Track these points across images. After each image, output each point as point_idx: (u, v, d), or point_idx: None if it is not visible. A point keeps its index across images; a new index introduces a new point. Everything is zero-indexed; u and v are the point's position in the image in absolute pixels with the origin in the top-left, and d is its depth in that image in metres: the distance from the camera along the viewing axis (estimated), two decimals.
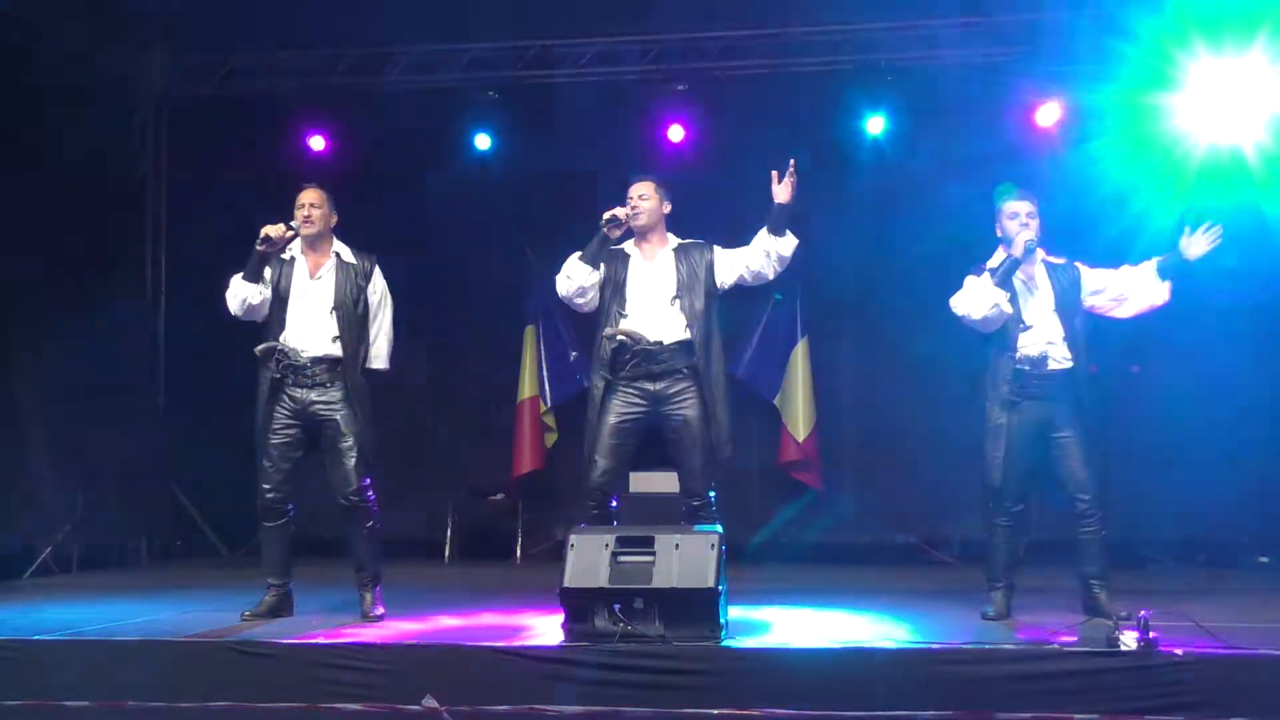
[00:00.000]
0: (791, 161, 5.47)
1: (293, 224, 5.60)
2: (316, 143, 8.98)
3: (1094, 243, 7.27)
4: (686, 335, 5.48)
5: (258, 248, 5.53)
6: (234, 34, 8.77)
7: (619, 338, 5.46)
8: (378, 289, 5.74)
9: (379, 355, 5.73)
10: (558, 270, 5.66)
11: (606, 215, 5.50)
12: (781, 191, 5.49)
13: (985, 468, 5.51)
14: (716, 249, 5.64)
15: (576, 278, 5.52)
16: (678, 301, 5.51)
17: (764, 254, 5.55)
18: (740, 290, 5.69)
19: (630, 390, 5.48)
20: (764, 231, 5.55)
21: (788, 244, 5.55)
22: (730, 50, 8.70)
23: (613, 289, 5.55)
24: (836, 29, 8.57)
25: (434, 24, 8.60)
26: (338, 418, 5.53)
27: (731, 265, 5.60)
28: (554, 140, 8.82)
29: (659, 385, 5.47)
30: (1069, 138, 8.41)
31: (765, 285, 5.81)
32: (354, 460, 5.55)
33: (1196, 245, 5.47)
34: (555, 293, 5.72)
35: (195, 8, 8.52)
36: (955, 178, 8.27)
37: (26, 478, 7.66)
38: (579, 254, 5.54)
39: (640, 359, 5.46)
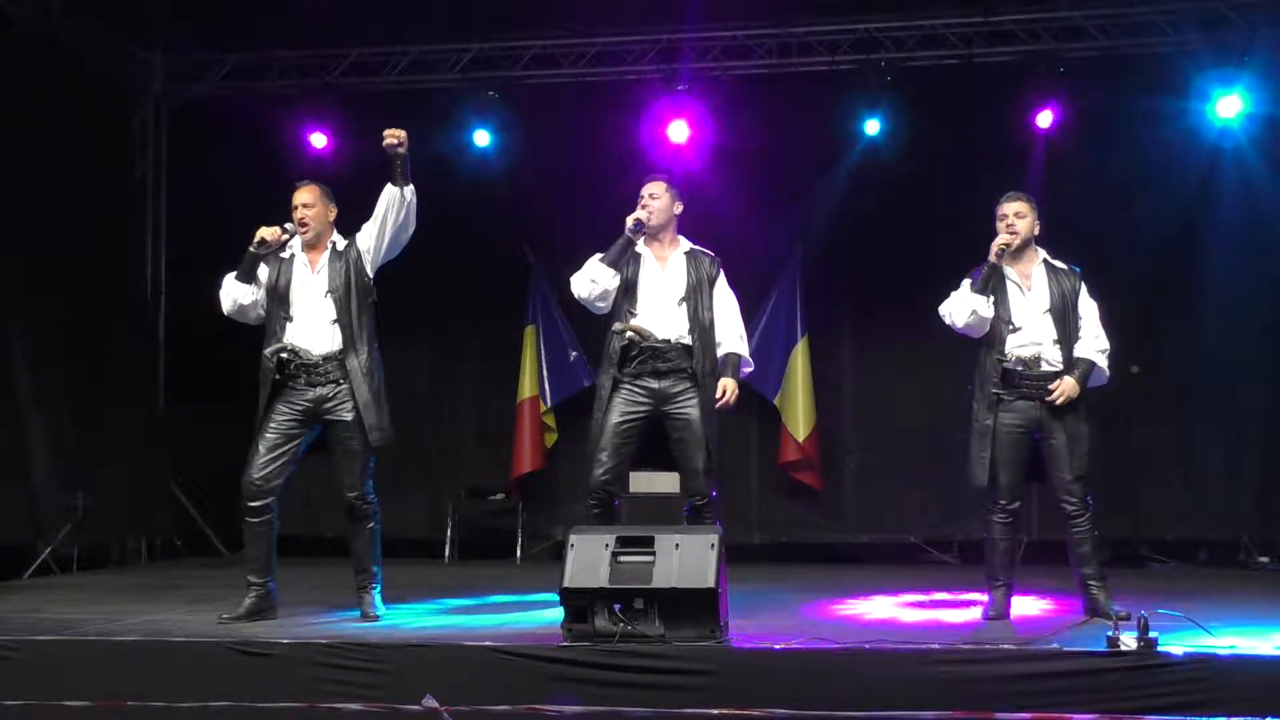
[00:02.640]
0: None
1: (287, 226, 5.59)
2: (318, 140, 8.97)
3: (1094, 245, 7.29)
4: (689, 340, 5.51)
5: (251, 249, 5.53)
6: (234, 34, 8.76)
7: (628, 334, 5.48)
8: (363, 232, 5.64)
9: (395, 216, 5.57)
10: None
11: (630, 220, 5.52)
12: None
13: (970, 467, 5.50)
14: (721, 276, 5.68)
15: (601, 281, 5.53)
16: (685, 304, 5.55)
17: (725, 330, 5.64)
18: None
19: (636, 388, 5.50)
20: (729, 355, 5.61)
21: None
22: (731, 50, 8.70)
23: (624, 288, 5.57)
24: (837, 29, 8.56)
25: (434, 23, 8.59)
26: (347, 418, 5.51)
27: (720, 296, 5.65)
28: (554, 140, 8.81)
29: (663, 383, 5.49)
30: (1068, 139, 8.41)
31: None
32: (360, 462, 5.54)
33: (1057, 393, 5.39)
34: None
35: (195, 7, 8.51)
36: (955, 178, 8.27)
37: (26, 478, 7.66)
38: (601, 256, 5.55)
39: (647, 356, 5.49)
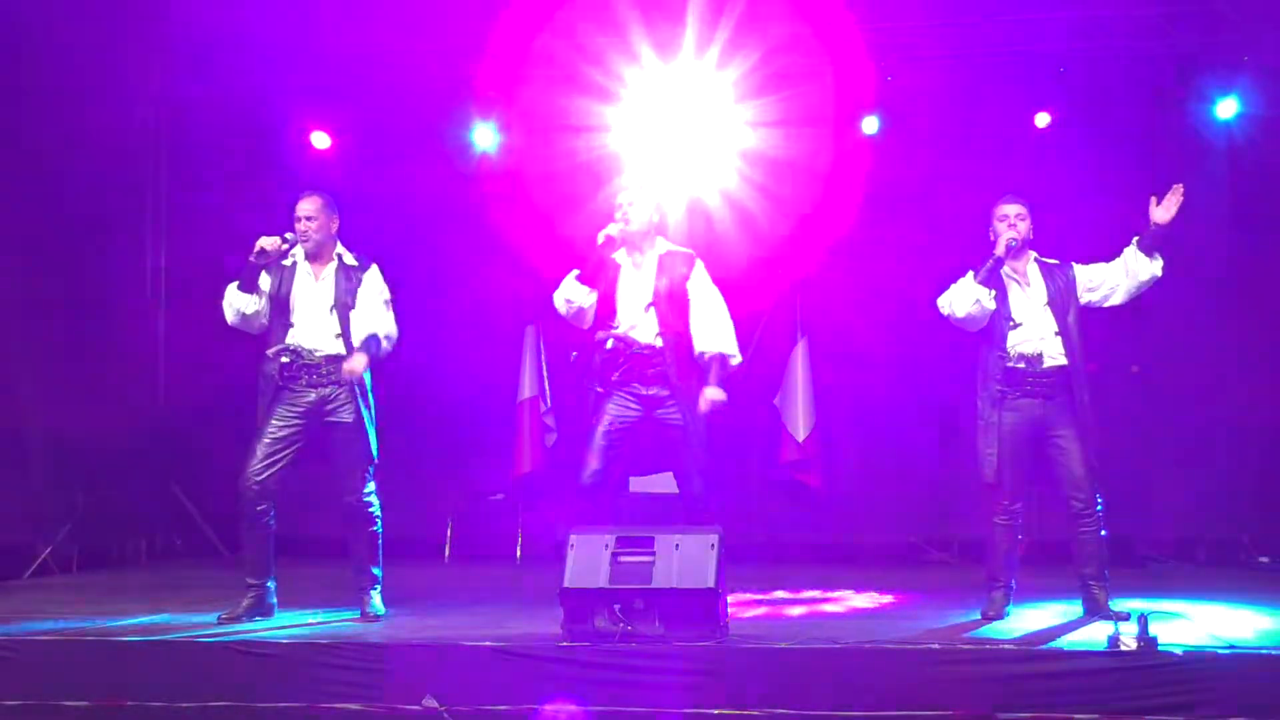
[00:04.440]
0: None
1: (287, 235, 5.58)
2: (318, 140, 8.96)
3: (1092, 245, 7.29)
4: (659, 343, 5.50)
5: (251, 259, 5.52)
6: (233, 34, 8.75)
7: (609, 344, 5.49)
8: (373, 287, 5.71)
9: (372, 332, 5.63)
10: (559, 270, 5.68)
11: (601, 236, 5.52)
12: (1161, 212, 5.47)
13: (979, 463, 5.53)
14: (698, 270, 5.66)
15: (576, 299, 5.54)
16: (653, 309, 5.54)
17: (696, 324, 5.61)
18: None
19: (624, 395, 5.51)
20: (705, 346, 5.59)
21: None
22: (731, 49, 8.66)
23: (605, 299, 5.57)
24: (837, 29, 8.54)
25: (434, 23, 8.58)
26: (348, 420, 5.53)
27: (695, 293, 5.61)
28: (555, 139, 8.81)
29: (650, 390, 5.50)
30: (1067, 139, 8.41)
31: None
32: (359, 464, 5.55)
33: (1164, 209, 5.47)
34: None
35: (195, 8, 8.51)
36: (954, 177, 8.27)
37: (26, 478, 7.66)
38: (577, 274, 5.55)
39: (632, 364, 5.49)
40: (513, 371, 9.11)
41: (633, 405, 5.51)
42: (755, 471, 9.02)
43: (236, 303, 5.60)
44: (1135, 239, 5.55)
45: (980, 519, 5.74)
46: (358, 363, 5.52)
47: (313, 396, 5.52)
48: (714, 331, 5.59)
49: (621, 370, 5.51)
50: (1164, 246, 5.53)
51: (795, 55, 8.65)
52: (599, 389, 5.54)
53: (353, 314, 5.63)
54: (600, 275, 5.56)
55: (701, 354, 5.58)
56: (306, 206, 5.65)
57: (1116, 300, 5.63)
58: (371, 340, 5.60)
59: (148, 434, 8.85)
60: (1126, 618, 4.97)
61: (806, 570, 7.98)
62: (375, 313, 5.68)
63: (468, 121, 8.89)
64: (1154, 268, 5.54)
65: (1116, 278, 5.58)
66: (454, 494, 9.10)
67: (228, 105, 8.95)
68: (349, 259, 5.70)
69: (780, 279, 8.80)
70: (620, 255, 5.66)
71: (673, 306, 5.55)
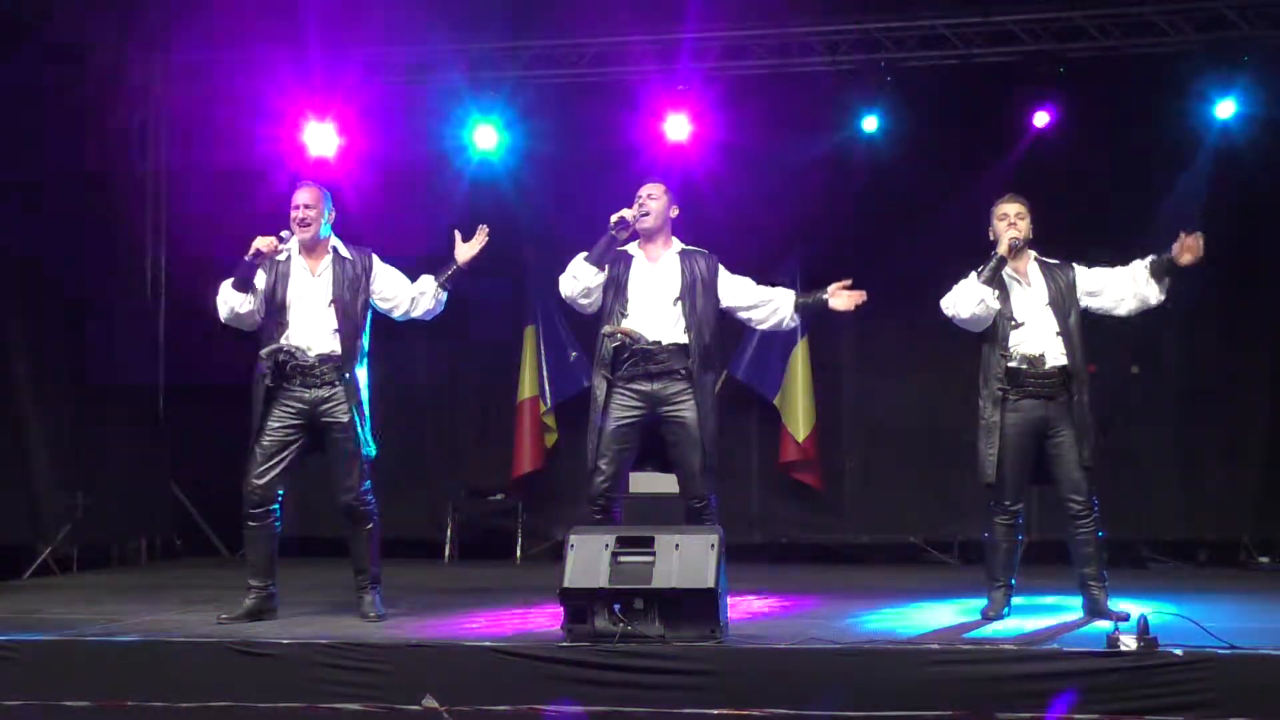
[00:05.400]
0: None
1: (283, 234, 5.56)
2: (318, 140, 8.95)
3: (1092, 245, 7.30)
4: (684, 339, 5.50)
5: (247, 259, 5.50)
6: (234, 34, 8.75)
7: (619, 336, 5.48)
8: (384, 273, 5.72)
9: (424, 306, 5.77)
10: (558, 270, 5.68)
11: (615, 218, 5.51)
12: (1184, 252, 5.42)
13: (979, 464, 5.53)
14: (722, 267, 5.71)
15: (582, 278, 5.53)
16: (680, 304, 5.55)
17: (762, 304, 5.72)
18: (728, 316, 5.78)
19: (628, 391, 5.50)
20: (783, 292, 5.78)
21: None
22: (730, 49, 8.69)
23: (615, 290, 5.57)
24: (837, 29, 8.56)
25: (434, 23, 8.58)
26: (343, 419, 5.51)
27: (732, 290, 5.68)
28: (555, 140, 8.81)
29: (656, 386, 5.49)
30: (1067, 139, 8.40)
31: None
32: (357, 463, 5.54)
33: (1187, 253, 5.43)
34: (555, 293, 5.73)
35: (196, 7, 8.51)
36: (954, 178, 8.28)
37: (26, 478, 7.65)
38: (584, 255, 5.56)
39: (638, 358, 5.48)
40: (512, 371, 9.11)
41: (637, 402, 5.50)
42: (755, 471, 9.03)
43: (230, 301, 5.57)
44: (1150, 259, 5.52)
45: (980, 519, 5.74)
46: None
47: (308, 397, 5.50)
48: (769, 290, 5.75)
49: (628, 364, 5.50)
50: (1173, 281, 5.51)
51: (795, 55, 8.69)
52: (604, 381, 5.53)
53: (384, 289, 5.69)
54: (609, 256, 5.55)
55: (795, 297, 5.76)
56: (305, 195, 5.63)
57: (1122, 312, 5.62)
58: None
59: (148, 434, 8.85)
60: (1126, 618, 4.96)
61: (806, 570, 8.00)
62: (404, 280, 5.76)
63: (468, 121, 8.89)
64: (1160, 291, 5.52)
65: (1123, 289, 5.56)
66: (454, 494, 9.10)
67: (228, 104, 8.95)
68: (344, 251, 5.68)
69: (780, 278, 8.79)
70: (633, 249, 5.66)
71: (698, 301, 5.56)
